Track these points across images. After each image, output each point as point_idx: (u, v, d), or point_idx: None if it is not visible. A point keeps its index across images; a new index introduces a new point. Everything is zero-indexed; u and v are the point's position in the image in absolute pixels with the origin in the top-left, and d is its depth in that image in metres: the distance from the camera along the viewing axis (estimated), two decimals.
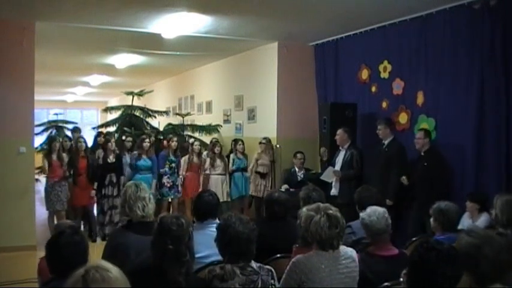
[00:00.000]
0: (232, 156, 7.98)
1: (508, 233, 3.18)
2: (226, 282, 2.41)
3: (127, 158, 7.50)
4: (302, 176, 7.18)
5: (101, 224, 7.28)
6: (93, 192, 7.19)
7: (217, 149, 7.82)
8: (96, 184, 7.21)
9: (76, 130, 9.10)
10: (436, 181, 5.24)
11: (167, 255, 2.44)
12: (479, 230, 2.26)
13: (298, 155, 7.32)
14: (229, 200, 7.80)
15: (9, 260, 6.01)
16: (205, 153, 8.11)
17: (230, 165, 7.89)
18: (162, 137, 8.86)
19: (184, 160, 7.82)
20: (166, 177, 7.62)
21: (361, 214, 3.23)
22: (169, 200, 7.85)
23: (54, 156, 6.91)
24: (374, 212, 3.14)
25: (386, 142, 5.93)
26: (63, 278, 1.78)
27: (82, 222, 7.59)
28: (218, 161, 7.78)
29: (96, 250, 5.87)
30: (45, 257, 2.39)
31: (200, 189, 7.46)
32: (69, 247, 2.30)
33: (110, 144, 7.30)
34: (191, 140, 8.36)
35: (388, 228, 3.11)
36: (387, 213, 3.18)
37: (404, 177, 5.55)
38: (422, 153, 5.49)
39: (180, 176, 7.76)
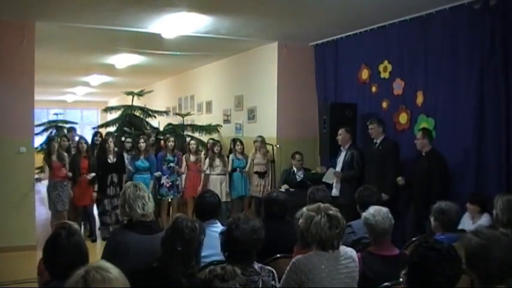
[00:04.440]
0: (231, 156, 7.97)
1: (509, 233, 3.18)
2: (227, 282, 2.41)
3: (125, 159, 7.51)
4: (301, 176, 7.18)
5: (105, 224, 7.27)
6: (95, 193, 7.20)
7: (216, 149, 7.82)
8: (96, 185, 7.21)
9: (70, 130, 9.09)
10: (436, 183, 5.21)
11: (175, 257, 2.45)
12: (486, 230, 2.24)
13: (297, 156, 7.29)
14: (228, 200, 7.80)
15: (9, 260, 6.01)
16: (203, 152, 8.12)
17: (229, 165, 7.89)
18: (161, 137, 8.86)
19: (182, 159, 7.84)
20: (165, 177, 7.62)
21: (364, 214, 3.20)
22: (169, 200, 7.85)
23: (54, 157, 6.91)
24: (379, 212, 3.12)
25: (378, 141, 5.96)
26: (63, 279, 1.77)
27: (82, 223, 7.60)
28: (217, 161, 7.78)
29: (96, 250, 5.88)
30: (42, 260, 2.36)
31: (200, 189, 7.48)
32: (67, 250, 2.27)
33: (107, 144, 7.29)
34: (188, 139, 8.36)
35: (391, 229, 3.11)
36: (390, 213, 3.17)
37: (400, 178, 5.54)
38: (423, 154, 5.47)
39: (181, 175, 7.77)
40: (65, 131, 11.35)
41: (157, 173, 7.51)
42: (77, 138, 8.08)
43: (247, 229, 2.57)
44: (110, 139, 7.46)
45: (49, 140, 7.54)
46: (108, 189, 7.21)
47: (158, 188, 7.58)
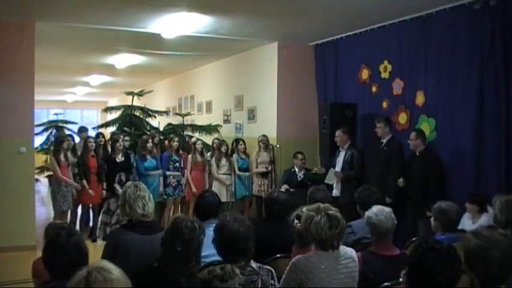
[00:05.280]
0: (235, 156, 7.98)
1: (508, 233, 3.18)
2: (226, 282, 2.42)
3: None
4: (302, 176, 7.18)
5: (104, 223, 7.27)
6: (104, 191, 7.23)
7: (224, 149, 7.86)
8: (105, 184, 7.25)
9: (83, 130, 9.11)
10: (431, 182, 5.22)
11: (174, 257, 2.45)
12: (485, 231, 2.24)
13: (299, 156, 7.29)
14: (233, 200, 7.83)
15: (9, 260, 6.01)
16: (209, 153, 8.14)
17: (235, 165, 7.90)
18: (162, 137, 8.86)
19: (188, 159, 7.85)
20: (171, 176, 7.63)
21: (367, 213, 3.19)
22: (174, 199, 7.85)
23: (62, 157, 6.96)
24: (381, 212, 3.11)
25: (384, 141, 5.94)
26: (63, 279, 1.77)
27: (82, 223, 7.60)
28: (224, 161, 7.81)
29: (96, 250, 5.87)
30: (42, 260, 2.36)
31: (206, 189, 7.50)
32: (67, 250, 2.27)
33: (118, 144, 7.33)
34: (193, 140, 8.38)
35: (393, 228, 3.10)
36: (393, 213, 3.17)
37: (400, 180, 5.54)
38: (417, 153, 5.49)
39: (185, 176, 7.78)
40: (66, 131, 11.38)
41: (169, 172, 7.55)
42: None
43: (237, 222, 2.59)
44: (120, 139, 7.50)
45: (59, 140, 7.55)
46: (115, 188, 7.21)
47: (164, 187, 7.59)
